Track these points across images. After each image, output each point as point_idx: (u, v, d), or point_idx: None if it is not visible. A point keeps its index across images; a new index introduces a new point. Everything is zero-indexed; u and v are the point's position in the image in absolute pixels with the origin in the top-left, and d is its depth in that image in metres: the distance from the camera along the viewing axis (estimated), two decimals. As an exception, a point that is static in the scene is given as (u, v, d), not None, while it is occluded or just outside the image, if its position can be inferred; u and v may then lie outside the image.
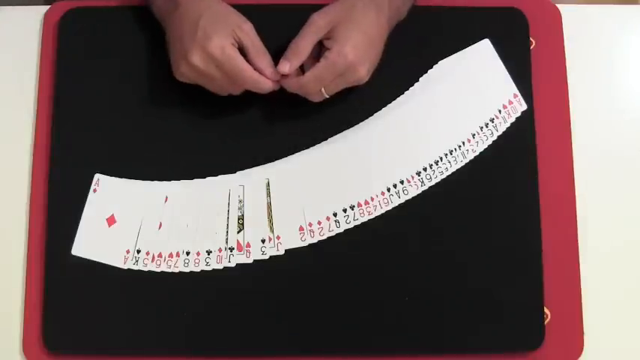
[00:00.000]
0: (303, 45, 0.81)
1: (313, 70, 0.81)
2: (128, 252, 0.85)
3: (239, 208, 0.85)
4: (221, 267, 0.84)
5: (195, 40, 0.80)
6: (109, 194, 0.86)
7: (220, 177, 0.86)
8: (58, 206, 0.86)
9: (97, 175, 0.86)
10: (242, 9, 0.90)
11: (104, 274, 0.85)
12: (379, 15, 0.83)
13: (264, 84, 0.82)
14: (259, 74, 0.82)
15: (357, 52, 0.81)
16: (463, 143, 0.88)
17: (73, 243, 0.85)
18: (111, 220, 0.85)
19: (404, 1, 0.87)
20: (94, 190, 0.86)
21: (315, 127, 0.87)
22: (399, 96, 0.89)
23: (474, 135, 0.88)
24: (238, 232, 0.85)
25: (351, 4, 0.82)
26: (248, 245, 0.85)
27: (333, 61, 0.80)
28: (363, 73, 0.82)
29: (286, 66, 0.82)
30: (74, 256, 0.85)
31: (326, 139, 0.87)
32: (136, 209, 0.86)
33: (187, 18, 0.82)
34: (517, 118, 0.88)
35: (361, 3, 0.82)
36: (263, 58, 0.83)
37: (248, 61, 0.82)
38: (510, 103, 0.89)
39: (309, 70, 0.82)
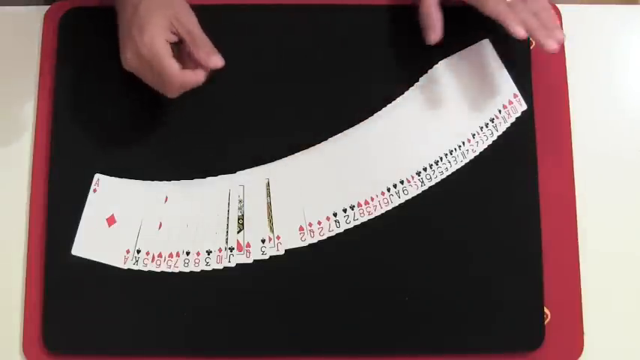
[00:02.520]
0: (435, 12, 0.84)
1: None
2: (128, 252, 0.85)
3: (239, 208, 0.85)
4: (221, 267, 0.84)
5: (130, 34, 0.78)
6: (109, 194, 0.86)
7: (220, 177, 0.86)
8: (58, 206, 0.86)
9: (97, 175, 0.86)
10: (246, 9, 0.90)
11: (104, 274, 0.85)
12: None
13: (193, 80, 0.78)
14: (185, 73, 0.78)
15: None
16: (463, 143, 0.88)
17: (73, 243, 0.85)
18: (111, 220, 0.85)
19: None
20: (94, 190, 0.86)
21: (315, 127, 0.87)
22: (399, 96, 0.89)
23: (474, 135, 0.88)
24: (238, 232, 0.85)
25: None
26: (248, 245, 0.85)
27: None
28: None
29: (435, 37, 0.84)
30: (74, 256, 0.85)
31: (326, 139, 0.87)
32: (135, 209, 0.86)
33: (130, 3, 0.79)
34: (517, 118, 0.88)
35: None
36: (202, 47, 0.79)
37: (190, 53, 0.79)
38: (510, 103, 0.89)
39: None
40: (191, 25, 0.80)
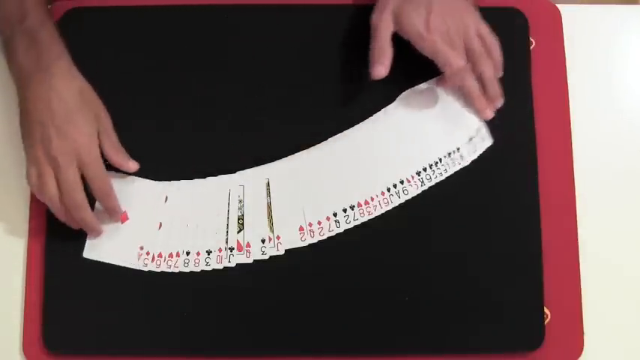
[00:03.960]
0: (383, 43, 0.82)
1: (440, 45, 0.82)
2: (142, 248, 0.85)
3: (239, 208, 0.85)
4: (221, 267, 0.84)
5: (64, 127, 0.78)
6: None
7: (220, 177, 0.86)
8: (58, 206, 0.86)
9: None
10: (244, 9, 0.90)
11: (104, 274, 0.84)
12: None
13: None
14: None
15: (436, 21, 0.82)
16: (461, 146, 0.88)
17: (73, 243, 0.85)
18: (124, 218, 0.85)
19: None
20: None
21: (315, 127, 0.87)
22: (398, 95, 0.89)
23: (471, 138, 0.88)
24: (238, 232, 0.85)
25: None
26: (248, 245, 0.85)
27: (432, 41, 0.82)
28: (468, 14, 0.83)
29: (381, 69, 0.82)
30: (74, 256, 0.85)
31: (326, 139, 0.87)
32: (136, 209, 0.85)
33: (57, 92, 0.78)
34: (517, 118, 0.88)
35: None
36: (120, 152, 0.82)
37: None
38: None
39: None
40: (110, 128, 0.81)
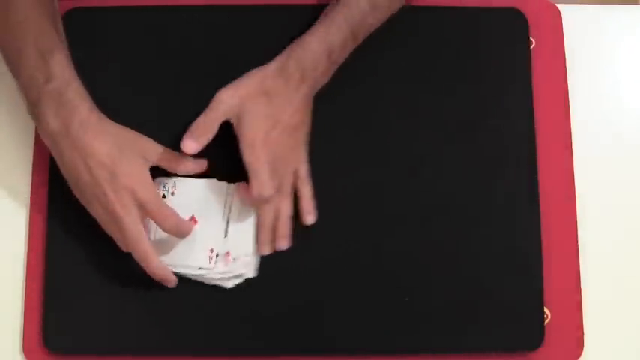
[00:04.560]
0: (213, 123, 0.79)
1: (252, 180, 0.79)
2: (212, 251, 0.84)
3: (227, 215, 0.84)
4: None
5: (115, 186, 0.77)
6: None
7: (214, 180, 0.86)
8: (58, 206, 0.86)
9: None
10: (244, 9, 0.90)
11: (104, 274, 0.85)
12: (299, 85, 0.80)
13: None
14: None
15: (279, 139, 0.79)
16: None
17: (73, 243, 0.85)
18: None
19: (344, 44, 0.81)
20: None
21: (316, 126, 0.87)
22: (396, 95, 0.88)
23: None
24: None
25: (261, 77, 0.79)
26: (228, 254, 0.84)
27: (252, 153, 0.78)
28: (298, 160, 0.81)
29: (193, 146, 0.78)
30: (74, 256, 0.85)
31: (326, 138, 0.87)
32: (202, 210, 0.85)
33: (93, 154, 0.77)
34: (517, 118, 0.88)
35: (271, 76, 0.79)
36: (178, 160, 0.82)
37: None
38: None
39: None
40: (162, 159, 0.81)
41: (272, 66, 0.80)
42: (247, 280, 0.84)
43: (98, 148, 0.77)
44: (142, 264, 0.79)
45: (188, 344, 0.84)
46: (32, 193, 0.87)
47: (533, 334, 0.84)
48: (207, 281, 0.83)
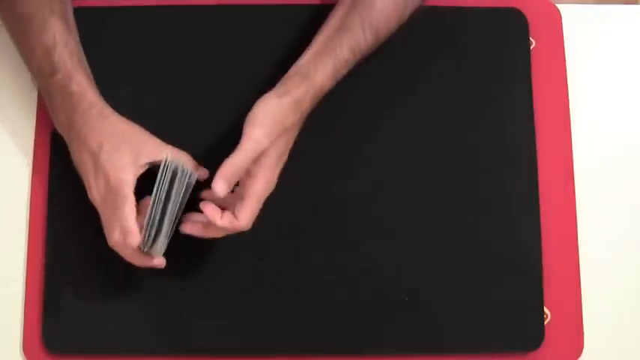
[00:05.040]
0: (245, 165, 0.76)
1: (247, 212, 0.77)
2: None
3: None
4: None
5: (96, 175, 0.78)
6: None
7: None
8: (58, 206, 0.86)
9: None
10: (245, 9, 0.90)
11: (104, 274, 0.85)
12: (300, 123, 0.80)
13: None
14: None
15: (278, 173, 0.79)
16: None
17: (73, 243, 0.85)
18: None
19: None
20: None
21: (316, 126, 0.87)
22: (396, 95, 0.88)
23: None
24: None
25: (283, 117, 0.78)
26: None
27: (262, 194, 0.78)
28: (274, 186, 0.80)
29: (224, 187, 0.75)
30: (74, 256, 0.85)
31: (327, 138, 0.87)
32: None
33: (87, 144, 0.79)
34: (517, 118, 0.88)
35: (291, 115, 0.78)
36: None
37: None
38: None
39: (240, 214, 0.77)
40: (160, 155, 0.79)
41: (290, 101, 0.79)
42: (248, 280, 0.84)
43: (92, 138, 0.78)
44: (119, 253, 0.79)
45: (188, 344, 0.84)
46: (32, 193, 0.87)
47: (533, 334, 0.84)
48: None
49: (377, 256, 0.85)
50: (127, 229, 0.77)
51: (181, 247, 0.84)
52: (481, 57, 0.90)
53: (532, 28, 0.91)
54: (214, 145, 0.87)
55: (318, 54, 0.81)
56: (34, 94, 0.89)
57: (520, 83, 0.89)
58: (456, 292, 0.85)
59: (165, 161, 0.78)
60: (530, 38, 0.90)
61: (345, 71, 0.82)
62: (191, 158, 0.82)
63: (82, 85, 0.80)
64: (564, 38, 0.91)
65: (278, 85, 0.80)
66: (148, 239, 0.78)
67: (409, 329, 0.84)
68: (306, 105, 0.80)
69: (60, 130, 0.82)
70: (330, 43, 0.81)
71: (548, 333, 0.84)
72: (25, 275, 0.86)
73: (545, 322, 0.85)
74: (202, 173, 0.83)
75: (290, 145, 0.81)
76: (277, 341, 0.84)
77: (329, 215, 0.86)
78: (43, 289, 0.85)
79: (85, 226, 0.85)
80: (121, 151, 0.78)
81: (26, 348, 0.84)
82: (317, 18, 0.89)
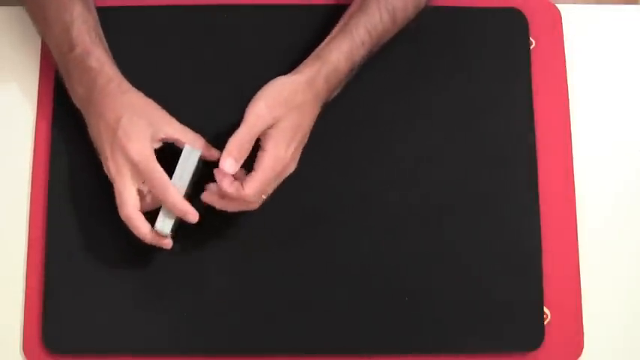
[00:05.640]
0: (249, 141, 0.77)
1: (254, 183, 0.77)
2: None
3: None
4: None
5: (113, 147, 0.78)
6: None
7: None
8: (58, 206, 0.86)
9: None
10: (245, 9, 0.90)
11: (104, 274, 0.85)
12: (323, 98, 0.81)
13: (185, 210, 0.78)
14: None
15: (293, 153, 0.79)
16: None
17: (73, 243, 0.85)
18: None
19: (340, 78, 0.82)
20: None
21: (317, 125, 0.87)
22: (396, 95, 0.88)
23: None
24: None
25: (293, 92, 0.79)
26: None
27: (272, 168, 0.78)
28: (293, 167, 0.80)
29: (234, 165, 0.77)
30: (74, 256, 0.85)
31: (327, 137, 0.87)
32: None
33: (104, 117, 0.79)
34: (517, 118, 0.88)
35: (302, 91, 0.79)
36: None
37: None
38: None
39: (247, 183, 0.77)
40: (175, 133, 0.80)
41: (302, 78, 0.80)
42: (248, 280, 0.84)
43: (110, 112, 0.79)
44: (132, 230, 0.79)
45: (188, 344, 0.84)
46: (32, 192, 0.87)
47: (533, 334, 0.84)
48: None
49: (377, 256, 0.85)
50: (169, 202, 0.77)
51: (181, 247, 0.84)
52: (481, 57, 0.90)
53: (532, 28, 0.91)
54: (217, 144, 0.87)
55: (336, 36, 0.82)
56: (34, 94, 0.89)
57: (520, 83, 0.89)
58: (456, 292, 0.85)
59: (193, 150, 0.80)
60: (530, 38, 0.91)
61: (362, 53, 0.82)
62: (201, 138, 0.82)
63: (100, 60, 0.80)
64: (564, 38, 0.91)
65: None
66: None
67: (409, 329, 0.84)
68: (320, 84, 0.80)
69: (78, 105, 0.82)
70: (347, 26, 0.82)
71: (548, 333, 0.84)
72: (25, 275, 0.86)
73: (545, 322, 0.85)
74: (214, 153, 0.82)
75: (306, 126, 0.81)
76: (277, 341, 0.84)
77: (329, 215, 0.86)
78: (43, 289, 0.84)
79: (85, 225, 0.85)
80: (139, 125, 0.79)
81: (26, 348, 0.84)
82: (322, 18, 0.89)
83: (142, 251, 0.84)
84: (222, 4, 0.91)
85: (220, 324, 0.84)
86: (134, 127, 0.78)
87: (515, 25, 0.91)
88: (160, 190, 0.78)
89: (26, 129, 0.89)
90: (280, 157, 0.78)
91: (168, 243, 0.81)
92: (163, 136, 0.80)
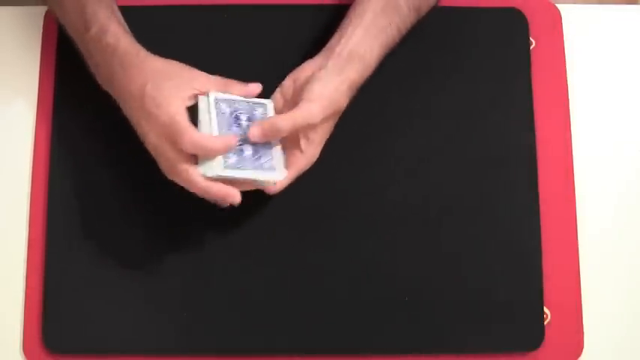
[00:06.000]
0: (287, 127, 0.77)
1: (285, 181, 0.79)
2: None
3: None
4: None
5: (148, 120, 0.77)
6: None
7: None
8: (58, 206, 0.86)
9: None
10: (244, 9, 0.90)
11: (104, 274, 0.85)
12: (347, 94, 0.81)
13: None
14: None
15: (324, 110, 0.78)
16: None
17: (73, 243, 0.85)
18: None
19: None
20: None
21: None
22: (396, 95, 0.88)
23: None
24: None
25: (338, 100, 0.79)
26: None
27: (304, 168, 0.80)
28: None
29: (258, 133, 0.76)
30: (74, 256, 0.85)
31: (328, 142, 0.87)
32: None
33: (129, 91, 0.78)
34: (517, 118, 0.88)
35: (344, 99, 0.80)
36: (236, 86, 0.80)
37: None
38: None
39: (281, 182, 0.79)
40: (203, 85, 0.79)
41: (347, 85, 0.80)
42: (248, 280, 0.85)
43: (133, 84, 0.78)
44: (190, 189, 0.77)
45: (188, 344, 0.84)
46: (32, 192, 0.87)
47: (533, 334, 0.85)
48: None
49: (377, 256, 0.85)
50: (203, 148, 0.75)
51: (181, 247, 0.84)
52: (481, 57, 0.90)
53: (532, 28, 0.91)
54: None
55: (369, 32, 0.81)
56: (35, 94, 0.89)
57: (520, 83, 0.89)
58: (456, 292, 0.85)
59: (208, 95, 0.78)
60: (530, 38, 0.91)
61: (387, 53, 0.83)
62: (233, 81, 0.81)
63: (116, 35, 0.80)
64: (564, 38, 0.91)
65: (334, 59, 0.80)
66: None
67: (409, 329, 0.84)
68: (357, 86, 0.81)
69: (105, 88, 0.81)
70: (380, 23, 0.81)
71: (548, 333, 0.84)
72: (25, 275, 0.86)
73: (545, 322, 0.85)
74: (254, 87, 0.81)
75: (334, 124, 0.82)
76: (277, 341, 0.84)
77: (329, 215, 0.86)
78: (43, 289, 0.85)
79: (85, 225, 0.85)
80: (164, 88, 0.77)
81: (26, 348, 0.85)
82: (322, 18, 0.89)
83: (142, 251, 0.84)
84: (222, 4, 0.91)
85: (220, 324, 0.84)
86: (161, 91, 0.77)
87: (515, 25, 0.91)
88: (196, 143, 0.75)
89: (26, 129, 0.89)
90: (314, 157, 0.81)
91: (235, 194, 0.76)
92: (192, 93, 0.78)
